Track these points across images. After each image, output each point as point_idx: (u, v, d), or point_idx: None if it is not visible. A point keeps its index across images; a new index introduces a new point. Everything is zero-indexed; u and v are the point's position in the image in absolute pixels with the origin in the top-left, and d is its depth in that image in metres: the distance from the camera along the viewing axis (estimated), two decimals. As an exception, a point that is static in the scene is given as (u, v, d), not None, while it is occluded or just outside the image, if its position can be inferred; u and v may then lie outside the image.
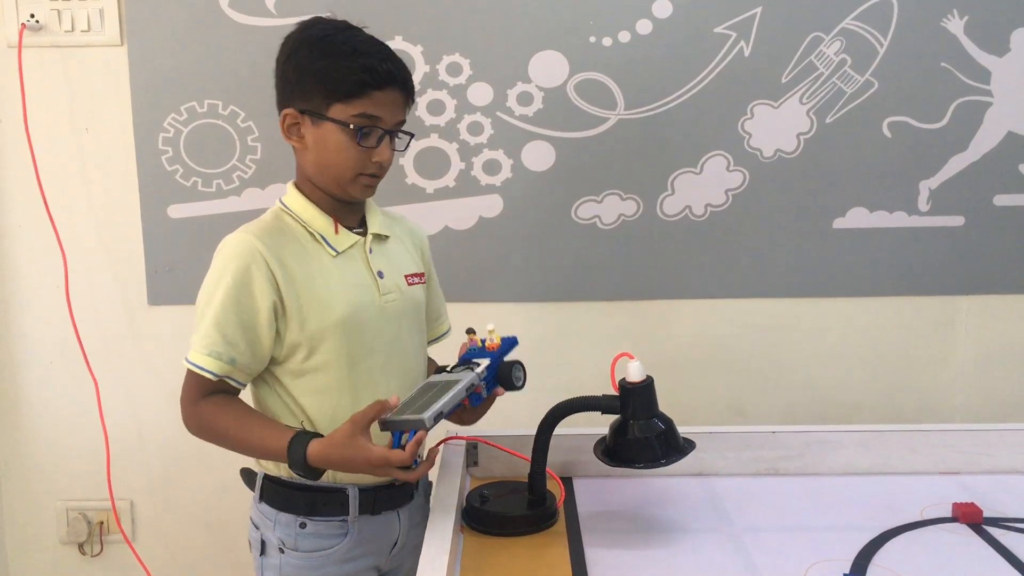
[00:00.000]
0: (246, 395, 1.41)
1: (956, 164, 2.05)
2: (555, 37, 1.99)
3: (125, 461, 2.16)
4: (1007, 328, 2.13)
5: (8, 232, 2.09)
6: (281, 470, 1.42)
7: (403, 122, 1.40)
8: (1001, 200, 2.07)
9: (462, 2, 1.98)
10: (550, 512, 1.41)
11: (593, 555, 1.32)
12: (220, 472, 2.18)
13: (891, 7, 1.98)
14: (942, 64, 2.00)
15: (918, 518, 1.43)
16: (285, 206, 1.43)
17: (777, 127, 2.03)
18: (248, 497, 1.50)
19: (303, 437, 1.31)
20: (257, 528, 1.46)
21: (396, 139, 1.40)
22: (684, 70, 2.01)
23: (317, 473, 1.31)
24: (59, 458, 2.18)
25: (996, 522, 1.41)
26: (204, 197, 2.06)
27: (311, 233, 1.40)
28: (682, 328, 2.12)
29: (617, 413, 1.42)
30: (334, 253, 1.40)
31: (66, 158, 2.05)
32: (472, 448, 1.58)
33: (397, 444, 1.25)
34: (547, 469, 1.43)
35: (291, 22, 1.95)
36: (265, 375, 1.42)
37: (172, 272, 2.08)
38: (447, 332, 1.65)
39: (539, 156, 2.04)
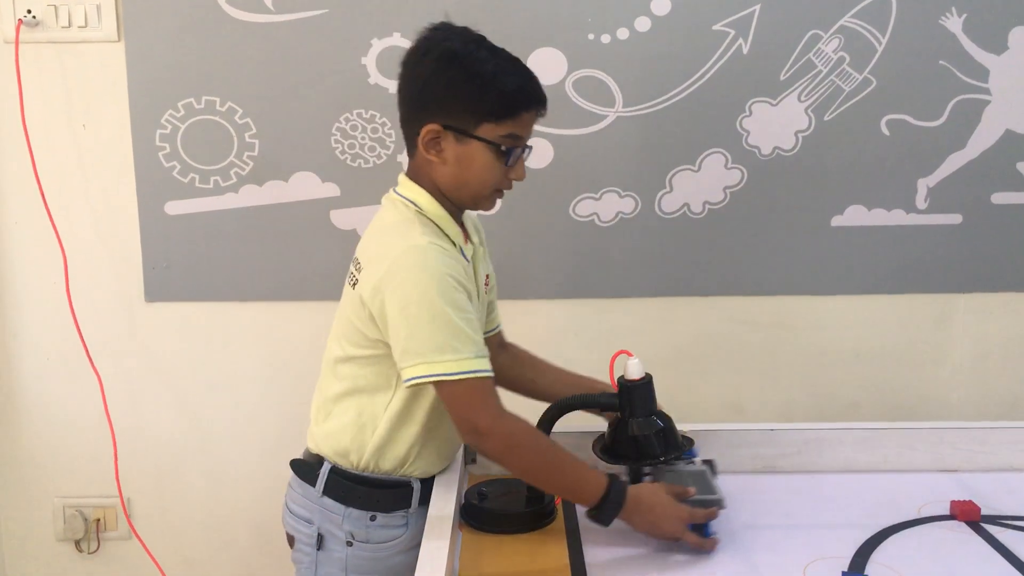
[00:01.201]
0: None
1: (954, 162, 2.05)
2: (553, 34, 1.99)
3: (122, 458, 2.15)
4: (1005, 326, 2.13)
5: (5, 228, 2.08)
6: (361, 463, 1.41)
7: None
8: (999, 198, 2.07)
9: (460, -1, 1.98)
10: (548, 510, 1.42)
11: (591, 553, 1.32)
12: (218, 469, 2.18)
13: (890, 5, 1.98)
14: (940, 62, 2.00)
15: (916, 516, 1.43)
16: (423, 211, 1.38)
17: (775, 125, 2.03)
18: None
19: (620, 482, 1.33)
20: (310, 522, 1.45)
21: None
22: (682, 67, 2.00)
23: (607, 524, 1.33)
24: (57, 455, 2.17)
25: (994, 520, 1.41)
26: (202, 194, 2.05)
27: (452, 240, 1.39)
28: (680, 326, 2.12)
29: (616, 410, 1.42)
30: (467, 261, 1.41)
31: (63, 154, 2.05)
32: (470, 445, 1.58)
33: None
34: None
35: (290, 18, 1.98)
36: (388, 372, 1.38)
37: (169, 269, 2.08)
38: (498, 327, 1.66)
39: (537, 153, 2.03)
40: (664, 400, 1.45)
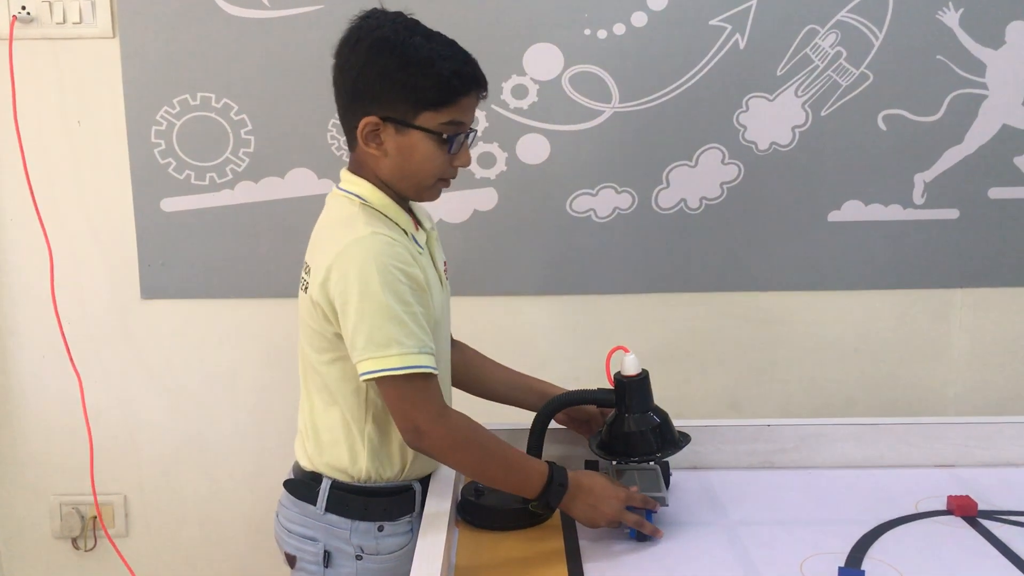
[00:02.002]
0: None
1: (951, 157, 2.05)
2: (550, 29, 1.99)
3: (118, 456, 2.15)
4: (1001, 321, 2.13)
5: (1, 226, 2.08)
6: (361, 474, 1.38)
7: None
8: (996, 193, 2.07)
9: (456, -6, 1.97)
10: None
11: (588, 548, 1.32)
12: (214, 467, 2.18)
13: (886, 0, 1.98)
14: (937, 57, 2.00)
15: (913, 511, 1.43)
16: (365, 200, 1.35)
17: (772, 120, 2.02)
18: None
19: (560, 468, 1.33)
20: (315, 540, 1.41)
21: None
22: (679, 63, 2.00)
23: (551, 508, 1.34)
24: (52, 453, 2.17)
25: (990, 515, 1.41)
26: (197, 190, 2.05)
27: (402, 229, 1.36)
28: (677, 322, 2.12)
29: (612, 407, 1.42)
30: (421, 249, 1.38)
31: (58, 151, 2.04)
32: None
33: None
34: (542, 463, 1.43)
35: (285, 14, 1.97)
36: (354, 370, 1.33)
37: (166, 266, 2.07)
38: None
39: (534, 149, 2.03)
40: (661, 396, 1.44)
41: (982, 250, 2.08)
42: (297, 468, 1.46)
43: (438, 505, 1.35)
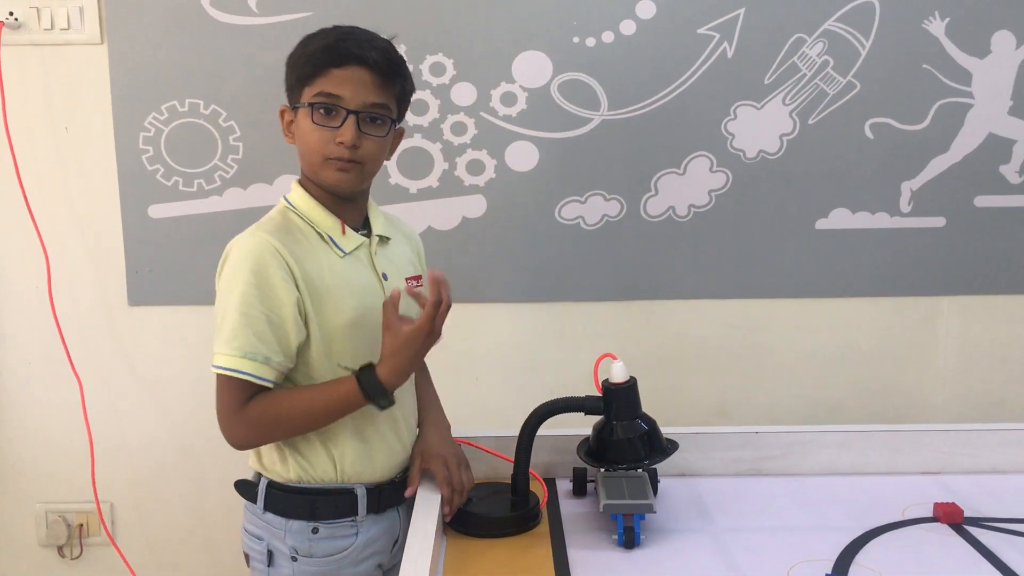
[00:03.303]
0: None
1: (937, 165, 2.06)
2: (539, 37, 1.99)
3: (104, 463, 2.14)
4: (988, 328, 2.14)
5: (-14, 232, 2.07)
6: (291, 474, 1.39)
7: (379, 105, 1.36)
8: (982, 201, 2.08)
9: (446, 2, 1.97)
10: (533, 513, 1.41)
11: (576, 556, 1.32)
12: (201, 474, 2.17)
13: (873, 9, 1.99)
14: (924, 66, 2.01)
15: (900, 518, 1.44)
16: (291, 205, 1.41)
17: (760, 128, 2.03)
18: (233, 502, 1.49)
19: (365, 370, 1.32)
20: (260, 539, 1.42)
21: (371, 124, 1.35)
22: (668, 71, 2.01)
23: (389, 396, 1.33)
24: (39, 460, 2.16)
25: (977, 522, 1.42)
26: (185, 197, 2.04)
27: (319, 233, 1.39)
28: (666, 329, 2.12)
29: (600, 414, 1.42)
30: (342, 254, 1.39)
31: (46, 157, 2.03)
32: (455, 449, 1.57)
33: (621, 528, 1.33)
34: (530, 470, 1.43)
35: (273, 21, 1.97)
36: None
37: (153, 272, 2.07)
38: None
39: (523, 156, 2.04)
40: (649, 402, 1.45)
41: (968, 258, 2.10)
42: (247, 467, 1.49)
43: (426, 513, 1.34)
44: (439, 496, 1.40)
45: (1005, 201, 2.08)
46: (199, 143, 2.02)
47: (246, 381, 1.32)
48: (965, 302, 2.13)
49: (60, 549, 2.19)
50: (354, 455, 1.40)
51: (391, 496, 1.44)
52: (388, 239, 1.48)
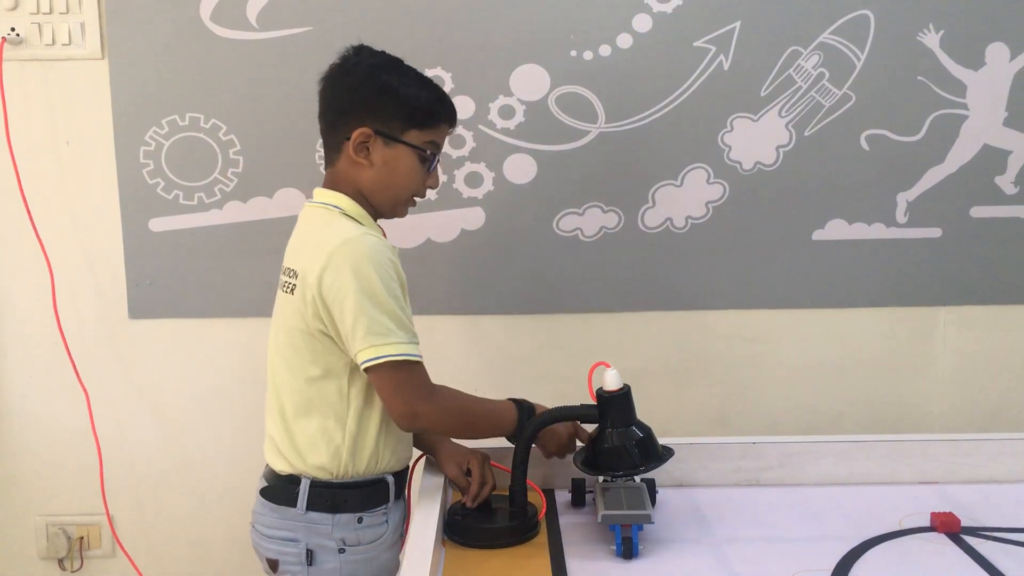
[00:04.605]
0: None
1: (933, 176, 2.07)
2: (536, 51, 2.00)
3: (106, 476, 2.14)
4: (985, 338, 2.14)
5: (-12, 245, 2.08)
6: (340, 471, 1.45)
7: None
8: (978, 212, 2.09)
9: (444, 15, 1.99)
10: (531, 524, 1.42)
11: (575, 566, 1.32)
12: (202, 487, 2.17)
13: (868, 22, 2.00)
14: (918, 78, 2.03)
15: (897, 528, 1.44)
16: (345, 212, 1.46)
17: (756, 140, 2.04)
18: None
19: (522, 400, 1.50)
20: (297, 541, 1.47)
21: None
22: (664, 83, 2.02)
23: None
24: (39, 473, 2.16)
25: (974, 531, 1.42)
26: (186, 210, 2.05)
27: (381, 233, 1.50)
28: (664, 340, 2.13)
29: (595, 422, 1.43)
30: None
31: (47, 172, 2.04)
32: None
33: (619, 538, 1.35)
34: (528, 481, 1.44)
35: (273, 36, 1.99)
36: (338, 366, 1.43)
37: (153, 286, 2.08)
38: None
39: (521, 169, 2.05)
40: (648, 413, 1.45)
41: (965, 268, 2.10)
42: (271, 474, 1.52)
43: (425, 523, 1.35)
44: (438, 506, 1.41)
45: (1001, 211, 2.08)
46: (199, 157, 2.03)
47: (420, 363, 1.41)
48: (962, 312, 2.13)
49: (60, 562, 2.20)
50: (392, 447, 1.49)
51: (404, 483, 1.55)
52: None
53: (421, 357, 1.40)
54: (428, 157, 1.47)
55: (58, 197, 2.06)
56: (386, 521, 1.49)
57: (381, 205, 1.49)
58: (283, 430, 1.48)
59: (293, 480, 1.47)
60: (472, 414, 1.47)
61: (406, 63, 1.50)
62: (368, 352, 1.36)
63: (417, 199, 1.52)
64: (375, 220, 1.51)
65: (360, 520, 1.46)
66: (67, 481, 2.15)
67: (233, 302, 2.09)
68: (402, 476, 1.54)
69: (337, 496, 1.45)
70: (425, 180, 1.49)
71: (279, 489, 1.48)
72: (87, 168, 2.05)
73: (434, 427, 1.47)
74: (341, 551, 1.46)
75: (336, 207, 1.46)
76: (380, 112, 1.44)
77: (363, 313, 1.36)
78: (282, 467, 1.48)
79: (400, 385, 1.39)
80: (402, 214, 1.52)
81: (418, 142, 1.45)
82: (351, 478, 1.46)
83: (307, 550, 1.46)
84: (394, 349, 1.36)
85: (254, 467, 2.12)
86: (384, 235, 1.50)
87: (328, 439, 1.44)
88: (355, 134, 1.43)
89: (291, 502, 1.46)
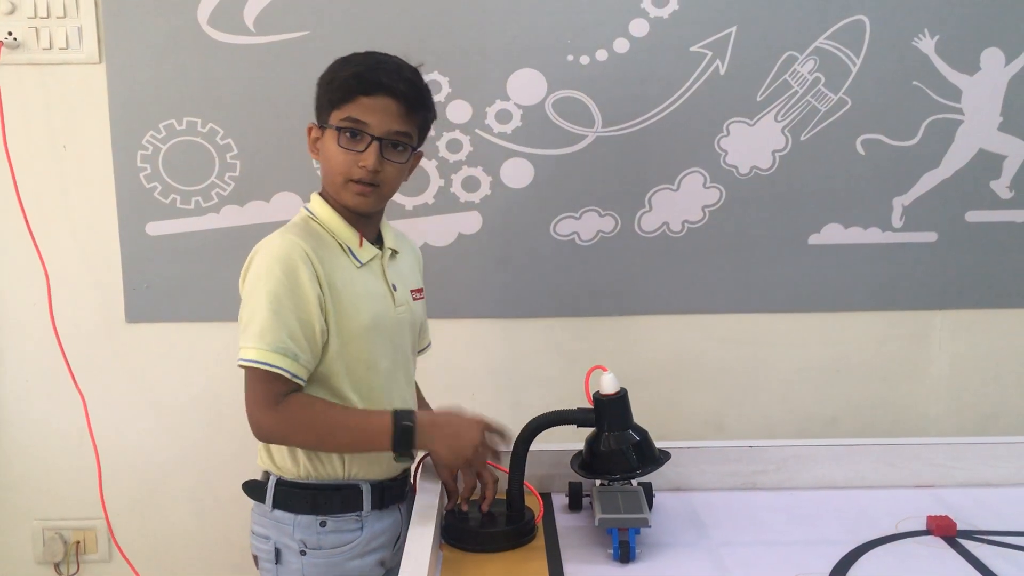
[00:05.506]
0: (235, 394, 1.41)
1: (928, 181, 2.08)
2: (533, 55, 2.01)
3: (104, 479, 2.14)
4: (980, 342, 2.15)
5: (-15, 249, 2.08)
6: (301, 472, 1.44)
7: (402, 133, 1.43)
8: (973, 216, 2.10)
9: (441, 20, 1.99)
10: (529, 528, 1.42)
11: (572, 570, 1.32)
12: (201, 489, 2.17)
13: (863, 27, 2.01)
14: (914, 83, 2.03)
15: (893, 531, 1.44)
16: (313, 215, 1.48)
17: (753, 144, 2.05)
18: (234, 516, 1.51)
19: (404, 411, 1.40)
20: (267, 538, 1.47)
21: (392, 150, 1.42)
22: (661, 88, 2.03)
23: (411, 454, 1.40)
24: (36, 478, 2.16)
25: (969, 535, 1.42)
26: (183, 214, 2.05)
27: (339, 243, 1.46)
28: (661, 343, 2.13)
29: (592, 426, 1.43)
30: (358, 264, 1.46)
31: (44, 175, 2.05)
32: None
33: (616, 542, 1.33)
34: (526, 484, 1.44)
35: (270, 40, 1.99)
36: None
37: (150, 289, 2.08)
38: (429, 345, 1.70)
39: (518, 173, 2.05)
40: (645, 417, 1.45)
41: (960, 272, 2.11)
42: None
43: (422, 527, 1.35)
44: (435, 509, 1.40)
45: (996, 216, 2.09)
46: (196, 161, 2.03)
47: (279, 376, 1.36)
48: (957, 316, 2.14)
49: (57, 566, 2.19)
50: (363, 457, 1.46)
51: (393, 493, 1.50)
52: (397, 253, 1.55)
53: (283, 369, 1.35)
54: (342, 132, 1.40)
55: (55, 201, 2.06)
56: (360, 528, 1.46)
57: (335, 196, 1.46)
58: None
59: (266, 477, 1.49)
60: (329, 428, 1.39)
61: (374, 54, 1.45)
62: (240, 351, 1.38)
63: (365, 184, 1.41)
64: (352, 218, 1.46)
65: (323, 524, 1.44)
66: (64, 485, 2.15)
67: (230, 306, 2.05)
68: (386, 485, 1.49)
69: (297, 496, 1.45)
70: (356, 160, 1.40)
71: (255, 484, 1.50)
72: (84, 172, 2.05)
73: (284, 441, 1.42)
74: (302, 552, 1.45)
75: (310, 212, 1.48)
76: (317, 103, 1.46)
77: (244, 309, 1.39)
78: (259, 462, 1.50)
79: (248, 392, 1.39)
80: (349, 202, 1.43)
81: (336, 121, 1.41)
82: (314, 480, 1.45)
83: (276, 548, 1.46)
84: (249, 354, 1.36)
85: (250, 470, 2.13)
86: (361, 236, 1.46)
87: None
88: (307, 131, 1.48)
89: (262, 498, 1.48)
